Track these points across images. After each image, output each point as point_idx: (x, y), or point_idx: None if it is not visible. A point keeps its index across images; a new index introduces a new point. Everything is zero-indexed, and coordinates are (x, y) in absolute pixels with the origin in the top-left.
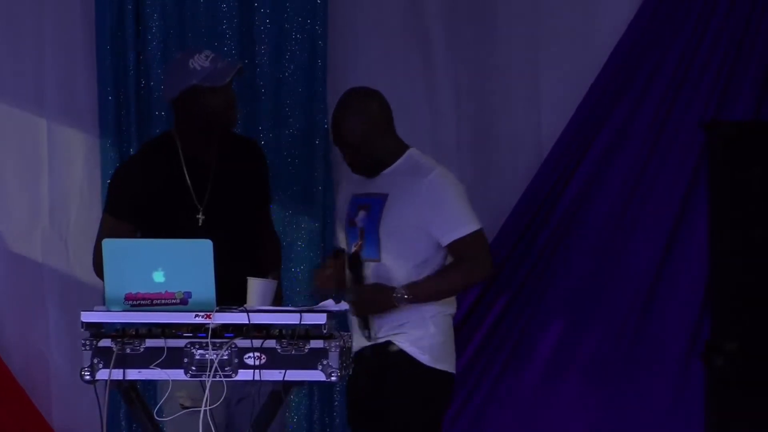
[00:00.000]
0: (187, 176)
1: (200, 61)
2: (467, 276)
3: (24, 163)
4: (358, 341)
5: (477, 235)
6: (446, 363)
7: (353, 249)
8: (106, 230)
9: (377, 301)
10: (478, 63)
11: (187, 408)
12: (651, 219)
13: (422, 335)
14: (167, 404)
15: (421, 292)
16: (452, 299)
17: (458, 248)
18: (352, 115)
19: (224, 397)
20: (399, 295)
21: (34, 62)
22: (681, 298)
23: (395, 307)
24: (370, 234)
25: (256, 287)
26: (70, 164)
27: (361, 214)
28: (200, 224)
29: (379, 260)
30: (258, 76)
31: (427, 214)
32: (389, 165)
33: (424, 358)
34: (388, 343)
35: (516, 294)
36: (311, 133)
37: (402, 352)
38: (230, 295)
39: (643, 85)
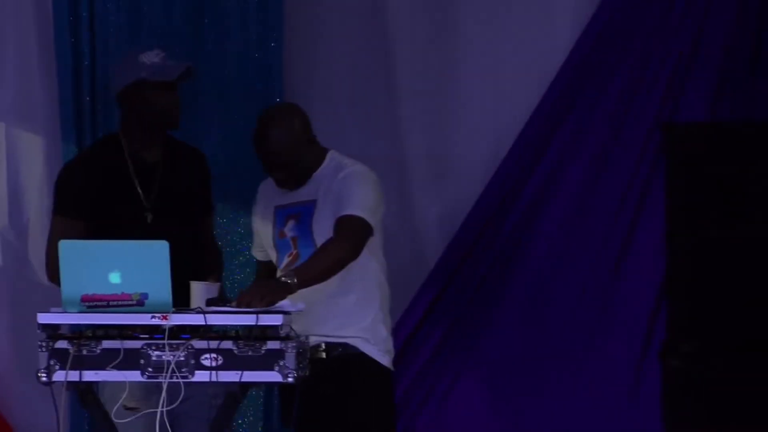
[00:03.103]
0: (133, 175)
1: (150, 57)
2: (340, 258)
3: None
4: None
5: (360, 219)
6: (391, 361)
7: (287, 260)
8: (58, 231)
9: (270, 290)
10: (438, 65)
11: (130, 409)
12: (607, 219)
13: (382, 337)
14: (111, 406)
15: (307, 276)
16: (387, 295)
17: (339, 224)
18: (278, 136)
19: (165, 397)
20: (288, 280)
21: None
22: (637, 299)
23: (289, 292)
24: (305, 241)
25: (199, 291)
26: (28, 165)
27: (291, 223)
28: (149, 222)
29: None
30: (212, 78)
31: (338, 201)
32: (314, 172)
33: (385, 360)
34: (345, 345)
35: (474, 293)
36: None
37: (364, 356)
38: (176, 296)
39: (600, 86)
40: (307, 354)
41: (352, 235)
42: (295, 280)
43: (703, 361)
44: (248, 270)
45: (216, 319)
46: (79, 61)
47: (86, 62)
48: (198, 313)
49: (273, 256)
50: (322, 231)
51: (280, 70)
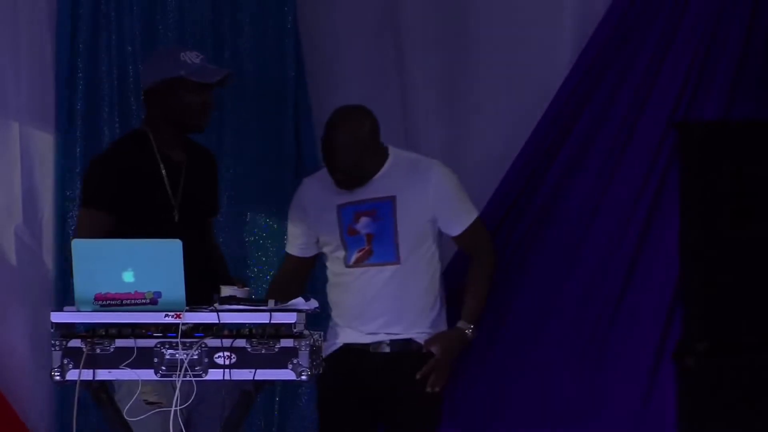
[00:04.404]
0: (163, 172)
1: (191, 57)
2: (490, 274)
3: None
4: (349, 336)
5: (480, 221)
6: None
7: (356, 255)
8: (86, 225)
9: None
10: (452, 62)
11: (150, 403)
12: (621, 219)
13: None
14: (127, 401)
15: (478, 317)
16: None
17: (466, 238)
18: (345, 139)
19: (179, 396)
20: (469, 332)
21: (7, 68)
22: (652, 298)
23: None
24: (384, 238)
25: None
26: (42, 164)
27: (365, 220)
28: (176, 221)
29: (397, 263)
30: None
31: (434, 207)
32: (377, 172)
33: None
34: (409, 340)
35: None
36: (280, 143)
37: (428, 353)
38: (197, 295)
39: (614, 85)
40: (320, 352)
41: (485, 243)
42: (472, 326)
43: (718, 360)
44: None
45: (229, 318)
46: (97, 60)
47: (103, 61)
48: (211, 311)
49: (340, 253)
50: (409, 227)
51: (294, 69)
